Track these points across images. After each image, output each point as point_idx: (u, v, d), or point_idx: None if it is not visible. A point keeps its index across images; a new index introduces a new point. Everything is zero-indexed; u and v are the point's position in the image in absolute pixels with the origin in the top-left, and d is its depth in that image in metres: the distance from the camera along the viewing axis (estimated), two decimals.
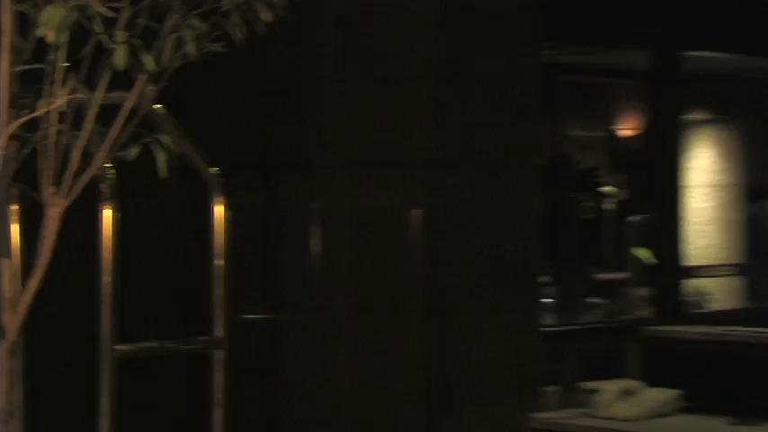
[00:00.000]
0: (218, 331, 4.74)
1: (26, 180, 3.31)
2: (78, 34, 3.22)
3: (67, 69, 3.23)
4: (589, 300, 10.00)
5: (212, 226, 4.80)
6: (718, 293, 10.01)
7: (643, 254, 7.82)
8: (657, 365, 5.58)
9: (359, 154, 5.96)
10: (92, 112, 3.35)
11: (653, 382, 5.45)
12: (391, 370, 5.84)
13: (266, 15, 3.62)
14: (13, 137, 3.18)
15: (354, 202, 5.97)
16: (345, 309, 5.96)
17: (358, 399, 5.93)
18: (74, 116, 3.31)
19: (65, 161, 3.27)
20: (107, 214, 4.33)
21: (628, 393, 5.32)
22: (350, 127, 5.97)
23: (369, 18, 5.92)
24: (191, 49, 3.46)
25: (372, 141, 5.93)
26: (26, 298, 3.27)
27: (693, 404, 5.32)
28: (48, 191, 3.25)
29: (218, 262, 4.81)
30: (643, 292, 7.56)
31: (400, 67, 5.85)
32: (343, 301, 5.97)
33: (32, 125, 3.22)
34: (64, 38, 3.10)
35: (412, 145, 5.82)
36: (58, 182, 3.26)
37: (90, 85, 3.32)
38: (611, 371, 7.51)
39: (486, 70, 5.92)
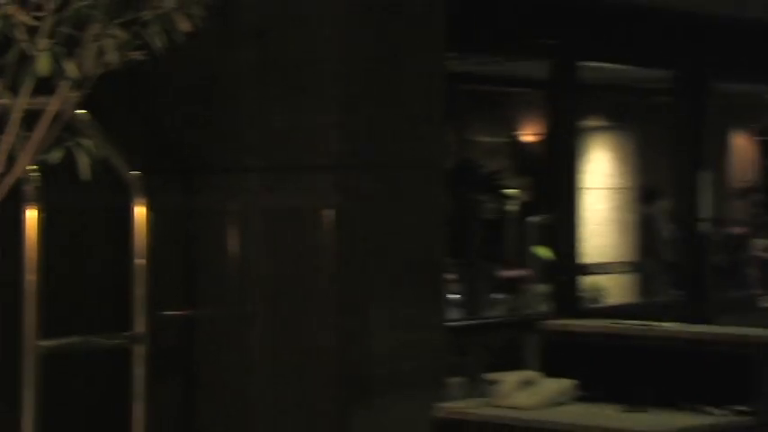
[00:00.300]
0: (139, 327, 4.71)
1: None
2: (2, 41, 3.18)
3: None
4: (492, 296, 10.04)
5: (133, 227, 4.77)
6: (613, 289, 10.06)
7: (543, 252, 7.84)
8: (555, 357, 5.58)
9: (274, 158, 5.94)
10: (15, 116, 3.31)
11: (550, 373, 5.47)
12: (304, 363, 5.83)
13: (185, 26, 3.60)
14: None
15: (269, 203, 5.96)
16: (261, 305, 5.94)
17: (272, 390, 5.92)
18: None
19: None
20: (31, 215, 4.29)
21: (527, 384, 5.33)
22: (265, 132, 5.96)
23: (284, 30, 5.91)
24: (112, 57, 3.43)
25: (287, 146, 5.92)
26: None
27: (588, 393, 5.34)
28: None
29: (139, 261, 4.78)
30: (542, 288, 7.59)
31: (312, 76, 5.85)
32: (259, 298, 5.95)
33: None
34: None
35: (324, 149, 5.82)
36: None
37: (14, 90, 3.28)
38: (513, 363, 7.54)
39: (393, 79, 5.92)
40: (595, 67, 7.76)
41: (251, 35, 5.92)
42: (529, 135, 12.33)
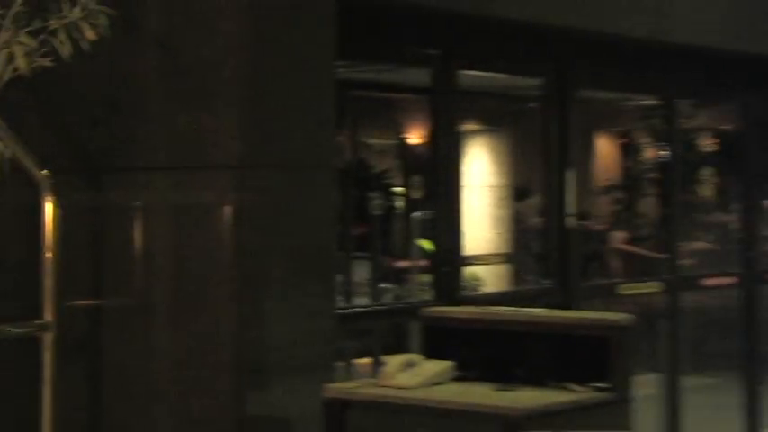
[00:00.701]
0: (48, 316, 4.66)
1: None
2: None
3: None
4: (380, 285, 10.06)
5: (43, 222, 4.72)
6: (489, 279, 10.14)
7: (426, 245, 7.87)
8: (435, 341, 5.59)
9: (177, 158, 5.91)
10: None
11: (431, 355, 5.48)
12: (204, 348, 5.80)
13: (90, 34, 3.57)
14: None
15: (172, 200, 5.92)
16: (163, 295, 5.91)
17: (174, 376, 5.88)
18: None
19: None
20: None
21: (409, 365, 5.34)
22: (169, 134, 5.92)
23: (187, 40, 5.87)
24: (21, 63, 3.39)
25: (189, 147, 5.88)
26: None
27: (464, 374, 5.36)
28: None
29: (48, 254, 4.73)
30: (425, 277, 7.59)
31: (213, 82, 5.81)
32: (162, 289, 5.90)
33: None
34: None
35: (223, 150, 5.78)
36: None
37: None
38: (397, 346, 7.56)
39: (288, 85, 5.92)
40: (473, 76, 7.77)
41: (155, 43, 5.89)
42: (414, 138, 12.39)
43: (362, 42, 6.72)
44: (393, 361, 5.40)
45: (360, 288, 10.01)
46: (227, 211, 5.75)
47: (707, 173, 11.35)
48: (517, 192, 11.67)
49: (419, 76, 7.59)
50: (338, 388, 5.39)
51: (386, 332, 8.56)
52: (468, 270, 9.94)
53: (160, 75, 5.92)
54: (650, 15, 8.14)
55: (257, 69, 5.80)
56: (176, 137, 5.90)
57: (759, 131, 9.70)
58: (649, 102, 10.34)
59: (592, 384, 5.12)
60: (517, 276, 10.49)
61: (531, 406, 4.85)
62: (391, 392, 5.18)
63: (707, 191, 11.33)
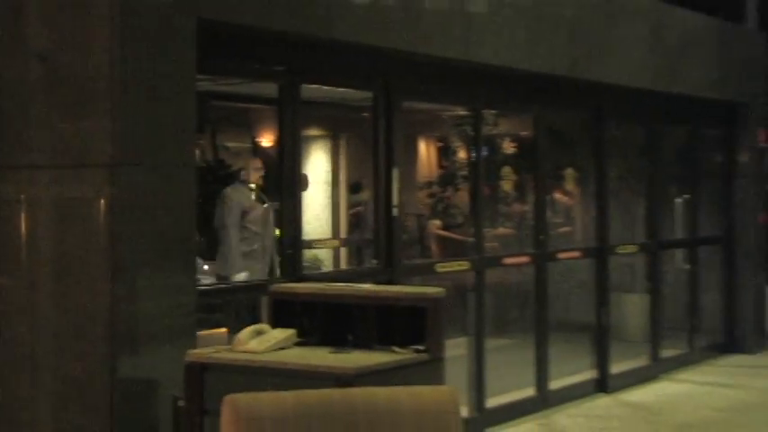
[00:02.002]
0: None
1: None
2: None
3: None
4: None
5: None
6: (328, 260, 10.18)
7: (279, 232, 7.85)
8: (281, 312, 5.61)
9: (58, 158, 5.88)
10: None
11: (277, 324, 5.49)
12: (83, 323, 5.77)
13: None
14: None
15: (54, 194, 5.89)
16: (46, 276, 5.86)
17: (57, 345, 5.83)
18: None
19: None
20: None
21: (259, 333, 5.34)
22: (51, 137, 5.88)
23: (65, 54, 5.84)
24: None
25: (68, 148, 5.84)
26: None
27: (306, 340, 5.38)
28: None
29: None
30: (275, 259, 7.59)
31: (89, 91, 5.78)
32: (45, 270, 5.87)
33: None
34: None
35: (98, 151, 5.76)
36: None
37: None
38: (250, 317, 7.54)
39: (154, 95, 5.89)
40: (314, 89, 7.79)
41: (37, 58, 5.83)
42: (265, 141, 12.37)
43: (220, 59, 6.71)
44: (245, 329, 5.40)
45: (217, 267, 10.00)
46: (102, 203, 5.72)
47: (507, 171, 11.55)
48: (352, 186, 11.74)
49: (268, 89, 7.58)
50: (198, 353, 5.36)
51: (242, 305, 8.56)
52: (310, 252, 9.96)
53: (43, 85, 5.89)
54: (461, 39, 8.25)
55: (128, 82, 5.77)
56: (57, 139, 5.89)
57: (549, 137, 9.90)
58: (461, 112, 10.45)
59: (411, 347, 5.18)
60: (350, 257, 10.55)
61: (361, 365, 4.88)
62: (243, 356, 5.18)
63: (507, 186, 11.53)
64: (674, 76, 11.22)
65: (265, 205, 9.53)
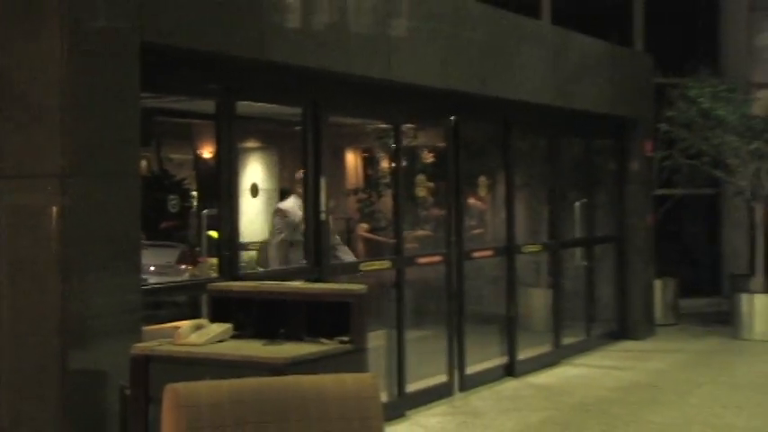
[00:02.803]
0: None
1: None
2: None
3: None
4: (179, 266, 9.94)
5: None
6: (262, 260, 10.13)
7: (213, 234, 7.79)
8: (219, 309, 5.58)
9: (13, 168, 5.83)
10: None
11: (216, 319, 5.47)
12: (38, 319, 5.70)
13: None
14: None
15: (11, 202, 5.83)
16: (5, 277, 5.80)
17: (13, 341, 5.77)
18: None
19: None
20: None
21: (199, 327, 5.32)
22: (7, 149, 5.83)
23: (21, 72, 5.80)
24: None
25: (25, 160, 5.79)
26: None
27: (241, 333, 5.36)
28: None
29: None
30: (213, 260, 7.53)
31: (43, 107, 5.73)
32: (3, 272, 5.81)
33: None
34: None
35: (51, 162, 5.72)
36: None
37: None
38: (191, 313, 7.48)
39: (102, 112, 5.87)
40: (249, 105, 7.74)
41: None
42: (205, 153, 12.28)
43: (163, 78, 6.66)
44: (186, 324, 5.38)
45: (165, 269, 9.90)
46: (54, 210, 5.67)
47: (425, 179, 11.57)
48: (282, 194, 11.69)
49: (207, 105, 7.53)
50: (143, 346, 5.32)
51: (184, 303, 8.49)
52: (246, 254, 9.90)
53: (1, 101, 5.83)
54: (383, 60, 8.26)
55: (78, 99, 5.73)
56: (12, 152, 5.83)
57: (463, 148, 9.93)
58: (383, 125, 10.45)
59: (337, 338, 5.18)
60: (284, 258, 10.51)
61: (291, 355, 4.87)
62: (184, 349, 5.15)
63: (422, 192, 11.54)
64: (573, 94, 11.34)
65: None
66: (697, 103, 12.77)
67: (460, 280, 9.72)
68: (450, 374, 9.48)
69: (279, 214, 9.28)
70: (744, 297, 12.99)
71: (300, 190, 8.39)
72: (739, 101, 13.04)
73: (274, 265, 9.06)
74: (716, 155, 12.97)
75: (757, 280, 13.11)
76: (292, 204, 9.08)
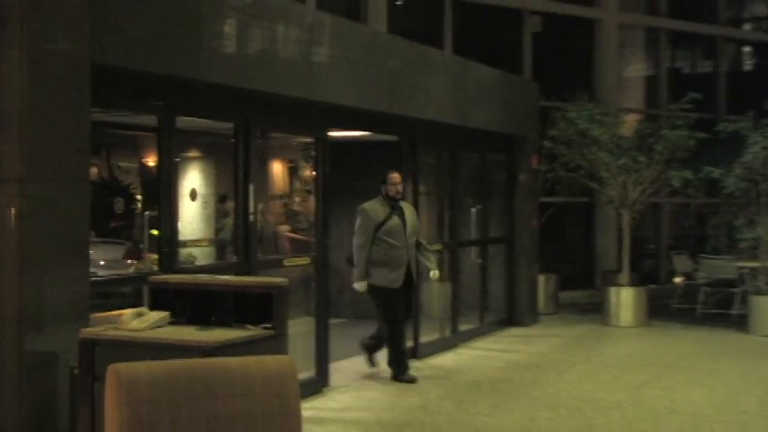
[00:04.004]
0: None
1: None
2: None
3: None
4: (128, 261, 9.84)
5: None
6: (200, 256, 10.05)
7: (156, 233, 7.71)
8: (159, 298, 5.54)
9: None
10: None
11: (155, 307, 5.43)
12: None
13: None
14: None
15: None
16: None
17: None
18: None
19: None
20: None
21: (140, 314, 5.27)
22: None
23: None
24: None
25: None
26: None
27: (177, 320, 5.32)
28: None
29: None
30: (155, 256, 7.45)
31: (4, 119, 5.64)
32: None
33: None
34: None
35: (10, 168, 5.65)
36: None
37: None
38: (134, 303, 7.40)
39: (57, 124, 5.81)
40: (187, 120, 7.69)
41: None
42: (149, 161, 12.16)
43: (111, 95, 6.60)
44: (129, 312, 5.34)
45: (113, 264, 9.79)
46: (13, 211, 5.60)
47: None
48: (220, 198, 11.62)
49: (150, 119, 7.46)
50: (90, 331, 5.26)
51: (128, 293, 8.39)
52: (186, 250, 9.82)
53: None
54: (305, 82, 8.27)
55: (36, 113, 5.67)
56: None
57: (374, 161, 9.96)
58: (306, 139, 10.44)
59: (261, 325, 5.18)
60: (218, 254, 10.43)
61: (220, 339, 4.87)
62: (126, 333, 5.11)
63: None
64: (470, 114, 11.45)
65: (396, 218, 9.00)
66: (575, 124, 12.97)
67: None
68: (363, 357, 9.47)
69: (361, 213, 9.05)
70: (612, 290, 13.24)
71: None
72: (610, 123, 13.27)
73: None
74: (590, 168, 13.19)
75: (624, 275, 13.37)
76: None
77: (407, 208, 9.13)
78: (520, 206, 13.04)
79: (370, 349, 9.34)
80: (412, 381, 9.00)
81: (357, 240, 8.86)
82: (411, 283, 9.02)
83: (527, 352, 10.95)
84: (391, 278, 8.80)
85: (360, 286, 8.89)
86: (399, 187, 8.99)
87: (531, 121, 13.23)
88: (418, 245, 9.09)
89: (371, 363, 9.34)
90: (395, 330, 8.90)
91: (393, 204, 8.95)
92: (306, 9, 9.26)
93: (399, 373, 9.02)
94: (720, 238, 16.08)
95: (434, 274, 9.19)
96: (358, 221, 8.91)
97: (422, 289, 10.65)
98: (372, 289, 8.89)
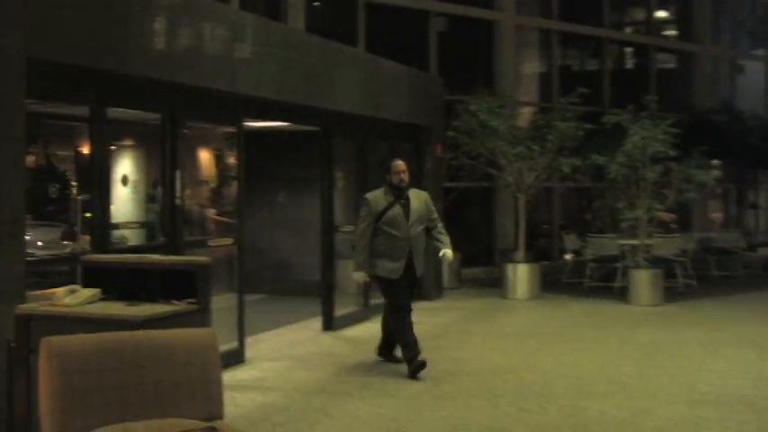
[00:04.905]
0: None
1: None
2: None
3: None
4: (64, 242, 9.66)
5: None
6: (131, 237, 9.91)
7: (89, 216, 7.59)
8: (91, 276, 5.47)
9: None
10: None
11: (87, 285, 5.36)
12: None
13: None
14: None
15: None
16: None
17: None
18: None
19: None
20: None
21: (73, 291, 5.20)
22: None
23: None
24: None
25: None
26: None
27: (108, 296, 5.27)
28: None
29: None
30: (88, 237, 7.35)
31: None
32: None
33: None
34: None
35: None
36: None
37: None
38: (68, 280, 7.28)
39: None
40: (119, 111, 7.58)
41: None
42: (83, 149, 11.93)
43: (46, 87, 6.48)
44: (62, 288, 5.26)
45: (50, 244, 9.62)
46: None
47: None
48: (152, 183, 11.47)
49: (83, 110, 7.34)
50: (25, 307, 5.17)
51: (63, 272, 8.26)
52: (118, 232, 9.68)
53: None
54: (228, 76, 8.22)
55: None
56: None
57: (292, 149, 9.91)
58: (230, 129, 10.35)
59: (186, 300, 5.15)
60: (148, 235, 10.29)
61: (147, 314, 4.82)
62: (60, 309, 5.04)
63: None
64: (381, 106, 11.50)
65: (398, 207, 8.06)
66: (476, 116, 13.11)
67: (293, 253, 9.70)
68: (278, 328, 9.48)
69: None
70: (509, 266, 13.46)
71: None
72: (508, 115, 13.45)
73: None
74: (490, 156, 13.35)
75: (519, 253, 13.59)
76: None
77: (417, 196, 8.19)
78: (426, 190, 13.08)
79: (386, 354, 8.63)
80: (414, 372, 7.95)
81: (357, 229, 8.09)
82: (413, 274, 8.01)
83: (433, 323, 11.04)
84: (390, 269, 7.90)
85: (357, 276, 8.12)
86: (404, 175, 8.08)
87: (437, 113, 13.34)
88: (430, 231, 8.17)
89: (394, 360, 8.52)
90: (398, 320, 8.04)
91: (398, 193, 8.05)
92: (229, 9, 9.18)
93: (387, 357, 8.50)
94: (605, 219, 16.46)
95: (446, 253, 8.06)
96: (361, 211, 8.13)
97: (336, 266, 10.69)
98: (375, 279, 8.12)
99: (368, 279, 8.14)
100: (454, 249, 8.17)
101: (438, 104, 13.41)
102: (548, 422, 6.49)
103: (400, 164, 8.14)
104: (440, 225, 8.21)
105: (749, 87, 20.93)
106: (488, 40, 16.40)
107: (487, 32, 16.35)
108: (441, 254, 8.11)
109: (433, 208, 8.26)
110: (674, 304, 12.50)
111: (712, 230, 17.64)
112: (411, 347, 7.97)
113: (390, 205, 7.96)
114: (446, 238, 8.17)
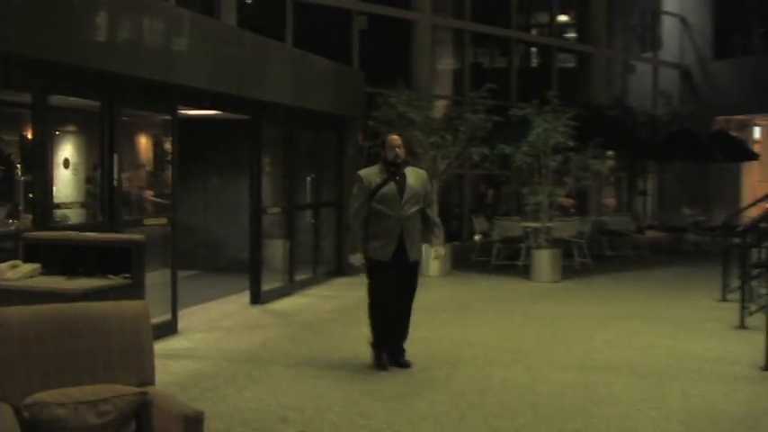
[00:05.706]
0: None
1: None
2: None
3: None
4: (7, 219, 9.45)
5: None
6: (72, 216, 9.76)
7: (32, 196, 7.43)
8: (31, 252, 5.39)
9: None
10: None
11: (28, 260, 5.29)
12: None
13: None
14: None
15: None
16: None
17: None
18: None
19: None
20: None
21: (14, 266, 5.14)
22: None
23: None
24: None
25: None
26: None
27: (48, 271, 5.21)
28: None
29: None
30: (30, 216, 7.19)
31: None
32: None
33: None
34: None
35: None
36: None
37: None
38: (13, 255, 7.14)
39: None
40: (60, 98, 7.44)
41: None
42: (28, 134, 11.65)
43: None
44: (4, 264, 5.18)
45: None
46: None
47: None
48: (93, 166, 11.28)
49: (27, 97, 7.19)
50: None
51: (8, 249, 8.08)
52: (60, 212, 9.52)
53: None
54: (164, 67, 8.14)
55: None
56: None
57: (227, 137, 9.83)
58: (166, 117, 10.22)
59: (122, 275, 5.13)
60: (87, 214, 10.13)
61: (85, 287, 4.81)
62: (2, 283, 4.96)
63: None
64: (308, 98, 11.49)
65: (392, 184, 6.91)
66: (395, 108, 13.17)
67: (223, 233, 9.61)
68: (211, 302, 9.44)
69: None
70: (424, 246, 13.52)
71: None
72: (424, 107, 13.54)
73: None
74: (408, 145, 13.41)
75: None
76: None
77: (414, 174, 6.98)
78: (347, 176, 13.15)
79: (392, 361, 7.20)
80: (381, 367, 7.03)
81: (351, 209, 7.02)
82: (405, 261, 6.84)
83: (352, 297, 11.06)
84: (378, 248, 6.79)
85: (354, 260, 7.00)
86: (399, 150, 6.87)
87: (358, 104, 13.37)
88: (426, 217, 7.00)
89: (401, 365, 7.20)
90: (375, 305, 6.96)
91: (393, 170, 6.89)
92: (167, 4, 9.06)
93: (393, 363, 7.14)
94: (510, 203, 16.72)
95: (434, 252, 7.26)
96: (353, 189, 7.04)
97: (264, 245, 10.67)
98: (366, 260, 6.91)
99: (364, 262, 6.93)
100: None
101: (360, 97, 13.44)
102: (455, 387, 6.61)
103: (395, 138, 6.95)
104: (433, 212, 7.06)
105: (639, 86, 21.48)
106: (407, 38, 16.47)
107: (406, 31, 16.41)
108: (432, 255, 7.16)
109: (431, 189, 7.18)
110: (571, 281, 12.79)
111: (606, 215, 18.06)
112: (378, 349, 7.08)
113: (384, 182, 6.81)
114: (438, 229, 7.18)
